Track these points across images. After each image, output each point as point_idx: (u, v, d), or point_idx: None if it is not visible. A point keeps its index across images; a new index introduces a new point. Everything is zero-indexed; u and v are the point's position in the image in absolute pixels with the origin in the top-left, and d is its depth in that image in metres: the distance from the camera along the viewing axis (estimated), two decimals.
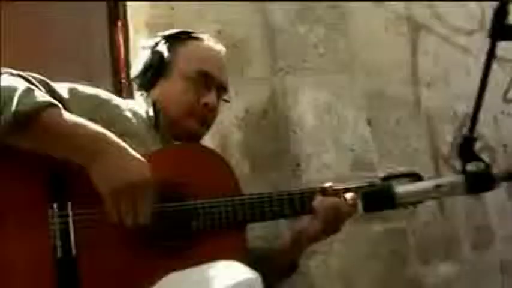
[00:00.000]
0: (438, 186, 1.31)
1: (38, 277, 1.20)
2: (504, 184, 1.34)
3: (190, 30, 1.66)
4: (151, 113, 1.54)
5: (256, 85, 2.32)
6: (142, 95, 1.60)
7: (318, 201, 1.44)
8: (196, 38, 1.64)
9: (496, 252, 2.63)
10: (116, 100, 1.49)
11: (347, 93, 2.38)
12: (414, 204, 1.50)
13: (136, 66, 1.61)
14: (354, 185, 1.48)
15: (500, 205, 2.67)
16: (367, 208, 1.31)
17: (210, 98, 1.56)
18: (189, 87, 1.55)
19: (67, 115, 1.23)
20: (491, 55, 1.29)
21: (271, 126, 2.30)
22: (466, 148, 1.34)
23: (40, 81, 1.32)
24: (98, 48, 2.43)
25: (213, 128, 2.24)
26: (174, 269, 1.23)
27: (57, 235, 1.22)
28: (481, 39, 2.81)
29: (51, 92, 1.32)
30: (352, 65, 2.42)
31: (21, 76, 1.28)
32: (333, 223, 1.46)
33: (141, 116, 1.52)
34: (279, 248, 1.59)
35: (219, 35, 2.31)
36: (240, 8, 2.33)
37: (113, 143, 1.24)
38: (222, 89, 1.62)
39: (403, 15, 2.65)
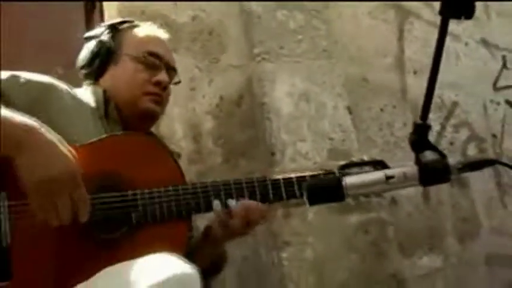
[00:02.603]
0: (389, 177, 1.25)
1: None
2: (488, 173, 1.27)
3: (131, 19, 1.67)
4: (100, 102, 1.50)
5: (231, 72, 2.26)
6: (89, 84, 1.57)
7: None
8: (139, 25, 1.65)
9: (483, 245, 2.55)
10: (60, 88, 1.45)
11: (326, 80, 2.31)
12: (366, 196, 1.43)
13: (82, 56, 1.59)
14: (306, 174, 1.41)
15: (487, 196, 2.59)
16: (312, 201, 1.24)
17: (162, 76, 1.56)
18: (140, 67, 1.55)
19: None
20: (443, 33, 1.21)
21: (247, 114, 2.24)
22: (419, 136, 1.26)
23: None
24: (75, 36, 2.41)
25: (185, 116, 2.21)
26: (111, 263, 1.19)
27: None
28: (471, 26, 2.73)
29: None
30: (332, 52, 2.34)
31: None
32: (236, 226, 1.38)
33: (87, 106, 1.49)
34: (195, 242, 1.53)
35: (193, 22, 2.26)
36: None
37: (40, 135, 1.20)
38: (171, 69, 1.62)
39: (389, 3, 2.57)
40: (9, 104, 1.29)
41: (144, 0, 2.14)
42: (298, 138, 2.21)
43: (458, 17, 1.19)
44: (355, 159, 1.52)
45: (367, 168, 1.55)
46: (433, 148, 1.26)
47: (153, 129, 2.07)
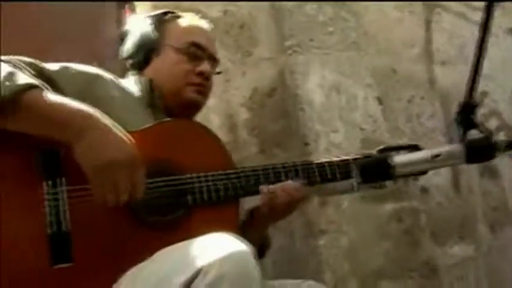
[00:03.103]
0: (436, 155, 1.28)
1: (33, 253, 1.21)
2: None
3: (174, 10, 1.71)
4: (145, 91, 1.55)
5: (263, 64, 2.30)
6: (134, 75, 1.61)
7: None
8: (182, 16, 1.68)
9: None
10: (108, 78, 1.50)
11: (356, 72, 2.34)
12: (414, 175, 1.46)
13: (127, 47, 1.63)
14: (350, 157, 1.45)
15: None
16: (365, 179, 1.28)
17: (205, 66, 1.59)
18: (183, 58, 1.59)
19: (49, 95, 1.25)
20: (488, 17, 1.24)
21: (280, 105, 2.28)
22: (466, 115, 1.30)
23: (29, 64, 1.34)
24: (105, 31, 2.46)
25: (220, 108, 2.25)
26: (169, 244, 1.23)
27: (51, 211, 1.23)
28: (499, 16, 2.74)
29: (40, 73, 1.35)
30: (361, 43, 2.38)
31: (6, 61, 1.29)
32: (280, 206, 1.43)
33: (132, 95, 1.53)
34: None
35: (224, 16, 2.30)
36: None
37: (97, 120, 1.24)
38: (213, 60, 1.65)
39: None
40: (61, 94, 1.34)
41: None
42: (330, 129, 2.25)
43: None
44: (391, 144, 1.55)
45: (403, 152, 1.60)
46: (479, 126, 1.30)
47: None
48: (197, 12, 2.23)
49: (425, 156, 1.28)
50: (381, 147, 1.63)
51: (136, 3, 2.40)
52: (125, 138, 1.25)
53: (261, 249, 1.60)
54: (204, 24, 1.69)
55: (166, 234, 1.27)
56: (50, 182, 1.24)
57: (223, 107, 2.20)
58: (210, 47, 1.64)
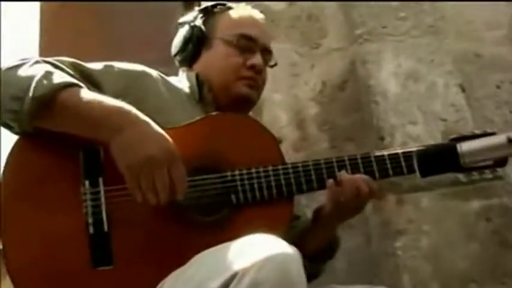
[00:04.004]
0: None
1: (73, 252, 1.18)
2: None
3: (225, 2, 1.61)
4: (193, 86, 1.48)
5: (333, 56, 2.18)
6: (184, 71, 1.55)
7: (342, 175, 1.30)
8: (232, 7, 1.59)
9: None
10: (153, 75, 1.45)
11: (435, 58, 2.17)
12: (490, 167, 1.27)
13: (176, 43, 1.57)
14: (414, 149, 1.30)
15: None
16: (424, 172, 1.14)
17: (256, 59, 1.50)
18: (233, 51, 1.50)
19: (86, 93, 1.21)
20: None
21: (351, 97, 2.15)
22: None
23: (70, 64, 1.32)
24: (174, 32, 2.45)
25: (288, 103, 2.15)
26: (213, 245, 1.15)
27: (89, 211, 1.19)
28: None
29: (81, 72, 1.32)
30: (439, 28, 2.20)
31: (47, 61, 1.27)
32: (349, 203, 1.31)
33: (181, 91, 1.47)
34: (306, 225, 1.47)
35: (290, 8, 2.21)
36: None
37: (134, 117, 1.19)
38: (266, 52, 1.55)
39: None
40: (102, 93, 1.30)
41: None
42: (408, 121, 2.09)
43: None
44: (466, 133, 1.37)
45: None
46: None
47: (256, 117, 2.06)
48: (259, 6, 2.17)
49: (500, 141, 1.12)
50: (453, 136, 1.45)
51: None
52: (163, 134, 1.19)
53: (329, 251, 1.49)
54: (256, 14, 1.60)
55: (210, 235, 1.20)
56: (89, 181, 1.21)
57: (290, 103, 2.11)
58: (262, 38, 1.54)
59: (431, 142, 2.08)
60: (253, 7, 2.17)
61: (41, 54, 2.54)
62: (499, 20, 2.35)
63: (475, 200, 2.02)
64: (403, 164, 1.28)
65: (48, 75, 1.20)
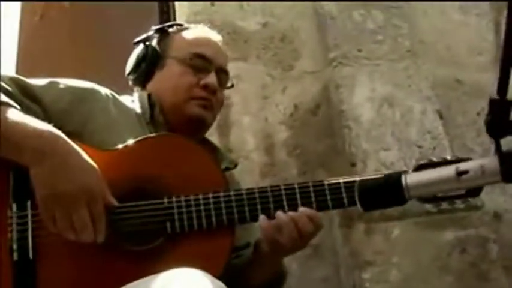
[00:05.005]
0: (462, 172, 1.04)
1: None
2: None
3: (183, 22, 1.60)
4: (145, 106, 1.42)
5: (306, 79, 2.12)
6: (137, 90, 1.50)
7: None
8: (189, 27, 1.56)
9: None
10: (102, 93, 1.39)
11: (412, 83, 2.10)
12: (446, 199, 1.19)
13: (130, 62, 1.52)
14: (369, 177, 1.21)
15: None
16: (366, 205, 1.06)
17: (210, 79, 1.44)
18: (186, 70, 1.45)
19: (12, 114, 1.15)
20: None
21: (324, 122, 2.08)
22: (498, 117, 1.02)
23: (11, 80, 1.27)
24: None
25: (257, 127, 2.09)
26: (140, 277, 1.08)
27: (14, 237, 1.13)
28: None
29: (22, 88, 1.27)
30: (417, 52, 2.13)
31: None
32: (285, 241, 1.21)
33: (132, 111, 1.42)
34: (248, 257, 1.38)
35: (264, 29, 2.15)
36: None
37: (58, 145, 1.13)
38: (222, 72, 1.49)
39: None
40: (44, 110, 1.27)
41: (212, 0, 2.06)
42: (381, 147, 2.01)
43: None
44: (435, 159, 1.29)
45: None
46: None
47: (222, 140, 1.99)
48: (233, 25, 2.12)
49: (448, 174, 1.04)
50: (420, 162, 1.37)
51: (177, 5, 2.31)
52: (87, 167, 1.13)
53: (274, 281, 1.40)
54: (213, 35, 1.55)
55: (140, 265, 1.12)
56: (17, 204, 1.14)
57: (260, 126, 2.04)
58: (218, 59, 1.49)
59: (406, 169, 2.02)
60: (226, 27, 2.14)
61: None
62: (481, 46, 2.28)
63: (450, 230, 1.93)
64: (344, 195, 1.20)
65: None
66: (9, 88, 1.23)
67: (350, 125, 2.02)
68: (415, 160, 2.02)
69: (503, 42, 1.00)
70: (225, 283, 1.08)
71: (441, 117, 2.11)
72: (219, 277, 1.09)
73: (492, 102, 0.98)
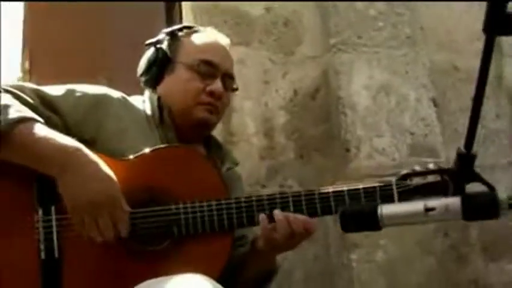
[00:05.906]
0: (429, 209, 1.16)
1: (25, 278, 1.26)
2: None
3: (192, 25, 1.64)
4: (155, 108, 1.52)
5: (306, 64, 2.19)
6: (148, 91, 1.59)
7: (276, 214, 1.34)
8: (198, 31, 1.60)
9: None
10: (114, 98, 1.48)
11: (409, 70, 2.17)
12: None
13: (141, 64, 1.59)
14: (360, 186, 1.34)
15: None
16: (346, 228, 1.19)
17: (216, 85, 1.51)
18: (194, 76, 1.52)
19: (38, 129, 1.27)
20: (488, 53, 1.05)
21: (322, 108, 2.18)
22: (464, 167, 1.16)
23: (31, 91, 1.36)
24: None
25: (257, 111, 2.18)
26: (153, 276, 1.22)
27: (41, 239, 1.27)
28: None
29: (42, 99, 1.37)
30: (417, 39, 2.19)
31: (7, 90, 1.32)
32: (280, 240, 1.34)
33: (142, 113, 1.52)
34: (244, 254, 1.51)
35: (267, 14, 2.21)
36: None
37: (80, 157, 1.25)
38: (227, 77, 1.56)
39: None
40: (62, 120, 1.37)
41: None
42: (375, 134, 2.12)
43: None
44: (418, 167, 1.40)
45: (430, 178, 1.46)
46: (480, 180, 1.15)
47: (224, 124, 2.09)
48: (237, 10, 2.18)
49: (417, 210, 1.15)
50: (404, 172, 1.48)
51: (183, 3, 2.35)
52: (106, 177, 1.26)
53: (266, 277, 1.55)
54: (221, 39, 1.61)
55: (152, 265, 1.27)
56: (42, 209, 1.28)
57: (260, 111, 2.13)
58: (224, 64, 1.55)
59: (397, 155, 2.13)
60: (229, 11, 2.19)
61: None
62: (481, 32, 2.32)
63: None
64: (332, 203, 1.33)
65: (4, 109, 1.26)
66: (31, 101, 1.34)
67: (346, 112, 2.11)
68: (406, 146, 2.14)
69: (472, 102, 1.11)
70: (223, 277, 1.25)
71: (435, 104, 2.20)
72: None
73: (460, 155, 1.12)
